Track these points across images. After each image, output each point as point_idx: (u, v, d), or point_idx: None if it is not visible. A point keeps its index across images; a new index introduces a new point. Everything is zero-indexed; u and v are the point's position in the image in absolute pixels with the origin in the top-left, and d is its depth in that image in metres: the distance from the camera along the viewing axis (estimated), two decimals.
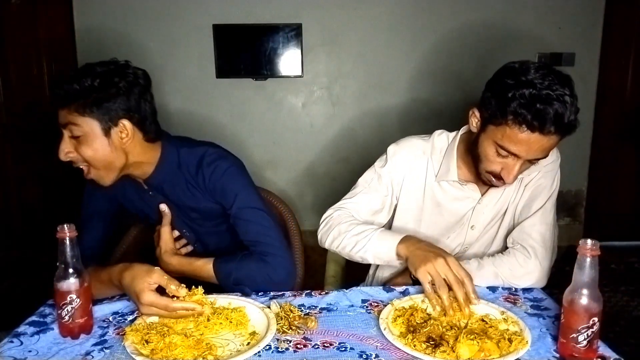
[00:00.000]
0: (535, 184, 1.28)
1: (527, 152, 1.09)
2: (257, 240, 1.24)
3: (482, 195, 1.30)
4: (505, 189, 1.28)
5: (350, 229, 1.28)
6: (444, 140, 1.34)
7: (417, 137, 1.37)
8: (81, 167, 1.19)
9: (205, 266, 1.23)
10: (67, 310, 0.98)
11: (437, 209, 1.34)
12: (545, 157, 1.12)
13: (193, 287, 1.05)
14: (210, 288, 1.18)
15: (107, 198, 1.34)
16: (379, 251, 1.22)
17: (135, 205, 1.36)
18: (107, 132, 1.15)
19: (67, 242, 0.97)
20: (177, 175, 1.28)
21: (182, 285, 1.04)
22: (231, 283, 1.21)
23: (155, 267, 1.06)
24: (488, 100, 1.12)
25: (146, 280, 1.03)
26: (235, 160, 1.31)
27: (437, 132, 1.37)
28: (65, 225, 0.97)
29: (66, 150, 1.16)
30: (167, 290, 1.03)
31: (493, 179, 1.18)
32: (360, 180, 1.39)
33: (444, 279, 1.05)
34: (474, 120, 1.19)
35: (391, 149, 1.37)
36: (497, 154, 1.13)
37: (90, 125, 1.13)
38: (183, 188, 1.29)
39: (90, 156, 1.15)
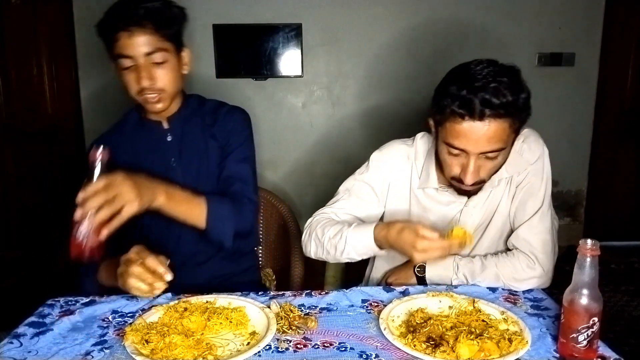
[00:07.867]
0: (527, 184, 1.25)
1: (473, 145, 1.07)
2: (236, 180, 1.31)
3: (468, 198, 1.27)
4: (492, 189, 1.26)
5: (326, 232, 1.27)
6: (426, 143, 1.32)
7: (400, 142, 1.36)
8: (154, 97, 1.21)
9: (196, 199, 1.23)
10: (82, 229, 0.98)
11: (425, 213, 1.32)
12: (501, 149, 1.09)
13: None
14: (210, 288, 1.18)
15: None
16: (358, 246, 1.22)
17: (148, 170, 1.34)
18: (179, 56, 1.23)
19: (98, 164, 1.00)
20: (197, 116, 1.34)
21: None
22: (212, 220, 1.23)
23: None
24: (432, 103, 1.13)
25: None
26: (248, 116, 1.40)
27: (419, 134, 1.35)
28: (100, 146, 1.00)
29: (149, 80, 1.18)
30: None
31: (460, 184, 1.17)
32: (341, 187, 1.39)
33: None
34: (432, 129, 1.19)
35: (374, 156, 1.36)
36: (449, 154, 1.13)
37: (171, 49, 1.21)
38: (199, 131, 1.33)
39: (171, 82, 1.22)
